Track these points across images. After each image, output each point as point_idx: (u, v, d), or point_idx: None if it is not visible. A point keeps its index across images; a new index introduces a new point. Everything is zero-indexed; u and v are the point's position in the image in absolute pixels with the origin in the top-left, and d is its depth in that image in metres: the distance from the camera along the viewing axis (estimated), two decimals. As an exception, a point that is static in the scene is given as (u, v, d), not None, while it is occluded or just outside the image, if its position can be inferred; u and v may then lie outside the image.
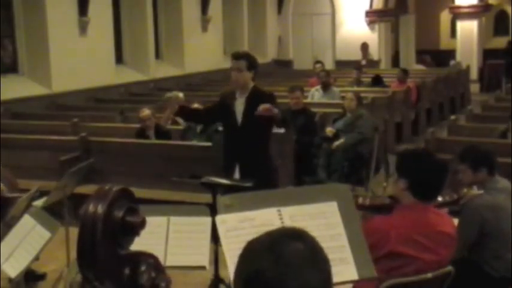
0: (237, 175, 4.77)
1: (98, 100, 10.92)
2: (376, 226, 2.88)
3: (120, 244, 1.65)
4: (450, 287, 3.08)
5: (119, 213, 1.64)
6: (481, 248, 3.75)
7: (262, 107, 4.47)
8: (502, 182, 3.89)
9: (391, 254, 2.87)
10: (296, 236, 1.40)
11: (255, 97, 4.76)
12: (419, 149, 3.41)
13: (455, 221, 3.96)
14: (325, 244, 2.37)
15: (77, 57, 10.57)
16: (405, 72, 11.65)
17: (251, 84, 4.84)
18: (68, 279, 4.49)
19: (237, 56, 4.86)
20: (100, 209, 1.61)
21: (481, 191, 3.85)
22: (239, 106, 4.81)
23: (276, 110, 4.54)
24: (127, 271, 1.65)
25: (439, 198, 3.99)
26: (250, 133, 4.72)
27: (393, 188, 3.05)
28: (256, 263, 1.34)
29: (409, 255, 2.90)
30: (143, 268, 1.67)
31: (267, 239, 1.39)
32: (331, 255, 2.36)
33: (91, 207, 1.62)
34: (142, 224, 1.68)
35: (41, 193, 4.95)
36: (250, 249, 1.39)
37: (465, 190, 3.87)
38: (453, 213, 4.07)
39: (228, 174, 4.74)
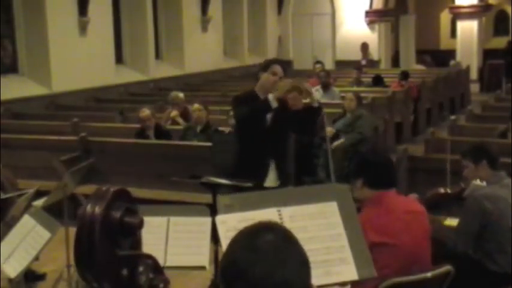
0: (272, 175, 4.78)
1: (98, 100, 10.93)
2: None
3: (118, 245, 1.65)
4: (452, 286, 3.09)
5: (116, 214, 1.64)
6: (485, 241, 3.78)
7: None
8: (508, 180, 3.94)
9: (373, 246, 2.90)
10: (269, 228, 1.50)
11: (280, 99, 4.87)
12: (366, 150, 3.72)
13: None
14: (325, 244, 2.38)
15: (77, 57, 10.57)
16: (405, 74, 11.64)
17: None
18: (74, 277, 4.50)
19: (283, 66, 4.98)
20: (98, 210, 1.61)
21: (484, 184, 3.94)
22: None
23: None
24: (125, 272, 1.65)
25: (441, 190, 4.08)
26: (279, 133, 4.84)
27: (355, 191, 3.17)
28: (231, 254, 1.46)
29: (388, 244, 3.00)
30: (141, 269, 1.67)
31: (244, 232, 1.50)
32: (331, 255, 2.37)
33: (89, 208, 1.62)
34: (140, 225, 1.68)
35: (41, 193, 4.96)
36: (230, 242, 1.50)
37: (472, 182, 3.99)
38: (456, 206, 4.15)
39: (262, 176, 4.72)
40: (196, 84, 12.97)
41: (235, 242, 1.48)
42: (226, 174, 4.77)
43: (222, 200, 2.34)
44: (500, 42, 18.42)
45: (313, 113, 5.03)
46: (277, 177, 4.79)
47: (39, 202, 4.75)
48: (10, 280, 3.48)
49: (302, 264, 1.45)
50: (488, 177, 3.92)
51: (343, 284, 2.36)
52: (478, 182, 3.98)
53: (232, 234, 2.26)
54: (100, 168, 6.68)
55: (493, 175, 3.91)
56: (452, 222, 4.08)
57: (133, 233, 1.68)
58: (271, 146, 4.80)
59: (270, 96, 4.73)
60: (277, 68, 4.84)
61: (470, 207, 3.82)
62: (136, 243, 1.72)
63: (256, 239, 1.45)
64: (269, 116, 4.82)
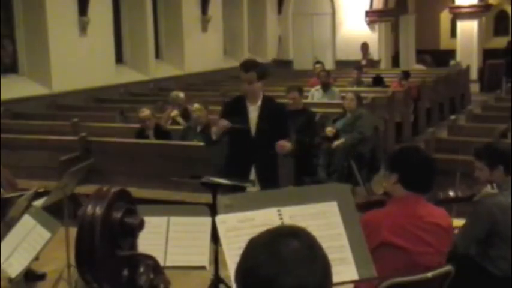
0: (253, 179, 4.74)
1: (98, 100, 10.92)
2: (368, 218, 2.92)
3: (119, 245, 1.65)
4: (451, 287, 3.08)
5: (117, 215, 1.64)
6: (488, 248, 3.74)
7: (280, 147, 4.63)
8: None
9: (383, 244, 2.89)
10: (293, 234, 1.43)
11: (268, 106, 4.79)
12: (408, 145, 3.57)
13: (457, 221, 3.97)
14: (325, 244, 2.36)
15: (77, 57, 10.57)
16: (406, 74, 11.66)
17: (261, 93, 4.83)
18: (73, 277, 4.50)
19: (246, 68, 4.72)
20: (98, 210, 1.61)
21: (496, 191, 3.84)
22: (252, 113, 4.78)
23: (288, 146, 4.67)
24: (125, 272, 1.65)
25: (451, 193, 4.03)
26: (263, 140, 4.71)
27: (385, 183, 3.12)
28: (252, 260, 1.38)
29: (400, 247, 2.94)
30: (142, 269, 1.67)
31: (265, 237, 1.42)
32: (331, 255, 2.35)
33: (89, 209, 1.62)
34: (140, 225, 1.68)
35: (41, 193, 4.96)
36: (249, 246, 1.42)
37: (485, 189, 3.89)
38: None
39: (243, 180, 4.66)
40: (196, 84, 12.97)
41: (257, 247, 1.40)
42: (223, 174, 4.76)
43: (222, 200, 2.34)
44: (500, 42, 18.42)
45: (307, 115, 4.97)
46: (256, 180, 4.71)
47: (39, 202, 4.75)
48: (10, 280, 3.48)
49: (326, 269, 1.41)
50: (501, 182, 3.82)
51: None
52: (489, 189, 3.87)
53: (232, 234, 2.27)
54: (100, 168, 6.68)
55: (506, 181, 3.81)
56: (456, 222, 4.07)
57: (133, 233, 1.68)
58: (255, 150, 4.73)
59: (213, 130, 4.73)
60: (241, 75, 4.75)
61: (479, 213, 3.74)
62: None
63: (280, 246, 1.38)
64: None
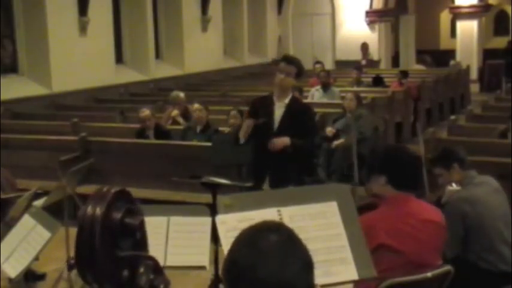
0: (266, 184, 4.71)
1: (98, 100, 10.93)
2: (362, 223, 2.91)
3: (119, 246, 1.65)
4: (450, 287, 3.09)
5: (117, 215, 1.64)
6: (469, 243, 3.80)
7: (274, 146, 4.59)
8: (480, 178, 3.99)
9: (381, 247, 2.89)
10: (272, 228, 1.51)
11: (295, 106, 4.79)
12: (393, 145, 3.59)
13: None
14: (325, 244, 2.38)
15: (77, 57, 10.57)
16: (404, 73, 11.66)
17: (291, 91, 4.84)
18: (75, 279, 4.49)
19: (289, 61, 4.78)
20: (98, 210, 1.61)
21: (458, 187, 3.97)
22: (277, 110, 4.77)
23: (286, 140, 4.61)
24: (126, 273, 1.65)
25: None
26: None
27: (374, 186, 3.11)
28: (234, 253, 1.47)
29: (396, 249, 2.94)
30: (142, 270, 1.67)
31: (248, 232, 1.51)
32: (331, 255, 2.37)
33: (89, 209, 1.62)
34: (140, 226, 1.68)
35: (41, 193, 4.96)
36: (234, 241, 1.51)
37: (448, 188, 4.01)
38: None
39: (258, 183, 4.65)
40: (196, 84, 12.97)
41: (238, 241, 1.49)
42: (226, 174, 4.76)
43: (222, 200, 2.34)
44: (500, 42, 18.42)
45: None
46: (269, 184, 4.71)
47: (39, 202, 4.75)
48: (10, 280, 3.48)
49: (306, 265, 1.46)
50: (461, 178, 3.95)
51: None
52: (453, 186, 4.00)
53: (232, 234, 2.26)
54: (100, 168, 6.68)
55: (465, 176, 3.94)
56: None
57: (133, 233, 1.68)
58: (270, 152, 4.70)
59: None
60: (280, 65, 4.75)
61: (450, 213, 3.77)
62: (140, 244, 1.72)
63: (259, 239, 1.46)
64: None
